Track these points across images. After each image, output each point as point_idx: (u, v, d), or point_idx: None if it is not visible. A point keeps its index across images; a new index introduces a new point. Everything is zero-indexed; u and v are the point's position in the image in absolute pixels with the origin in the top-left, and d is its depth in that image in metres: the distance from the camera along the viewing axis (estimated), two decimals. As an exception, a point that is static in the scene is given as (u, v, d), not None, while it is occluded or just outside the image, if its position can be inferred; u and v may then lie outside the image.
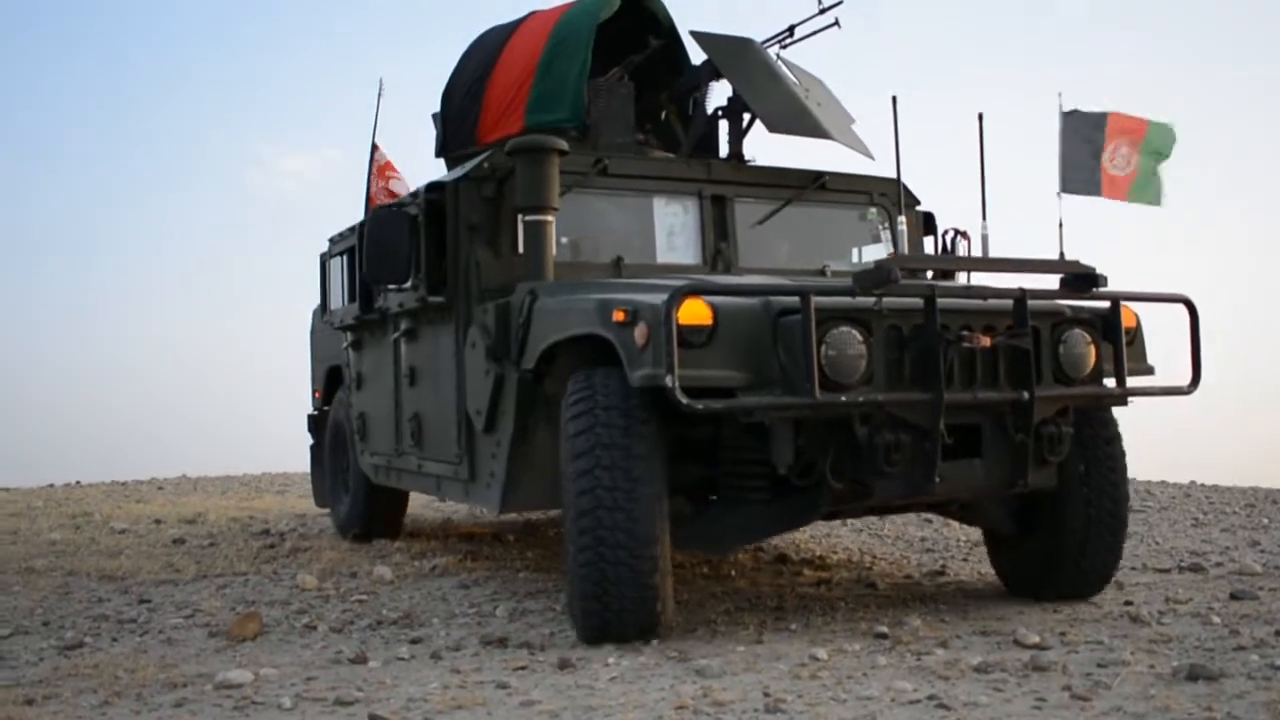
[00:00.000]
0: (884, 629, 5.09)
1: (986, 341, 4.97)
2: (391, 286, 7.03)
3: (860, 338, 4.79)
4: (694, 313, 4.63)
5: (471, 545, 8.47)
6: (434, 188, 6.59)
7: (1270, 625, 5.06)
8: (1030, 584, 5.92)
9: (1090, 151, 8.88)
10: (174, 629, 5.63)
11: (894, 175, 6.84)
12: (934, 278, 6.65)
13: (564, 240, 6.37)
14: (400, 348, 7.56)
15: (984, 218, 6.32)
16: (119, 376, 29.32)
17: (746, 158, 7.38)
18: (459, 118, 7.67)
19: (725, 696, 3.95)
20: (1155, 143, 9.06)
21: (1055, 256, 6.92)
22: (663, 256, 6.67)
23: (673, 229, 6.73)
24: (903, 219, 5.92)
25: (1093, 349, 5.32)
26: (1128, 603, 5.69)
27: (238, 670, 4.56)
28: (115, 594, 6.74)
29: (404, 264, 6.58)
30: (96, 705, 4.19)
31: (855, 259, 7.19)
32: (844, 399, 4.70)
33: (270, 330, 30.25)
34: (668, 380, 4.44)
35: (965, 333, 4.95)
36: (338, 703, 4.11)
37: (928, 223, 7.58)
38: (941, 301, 4.94)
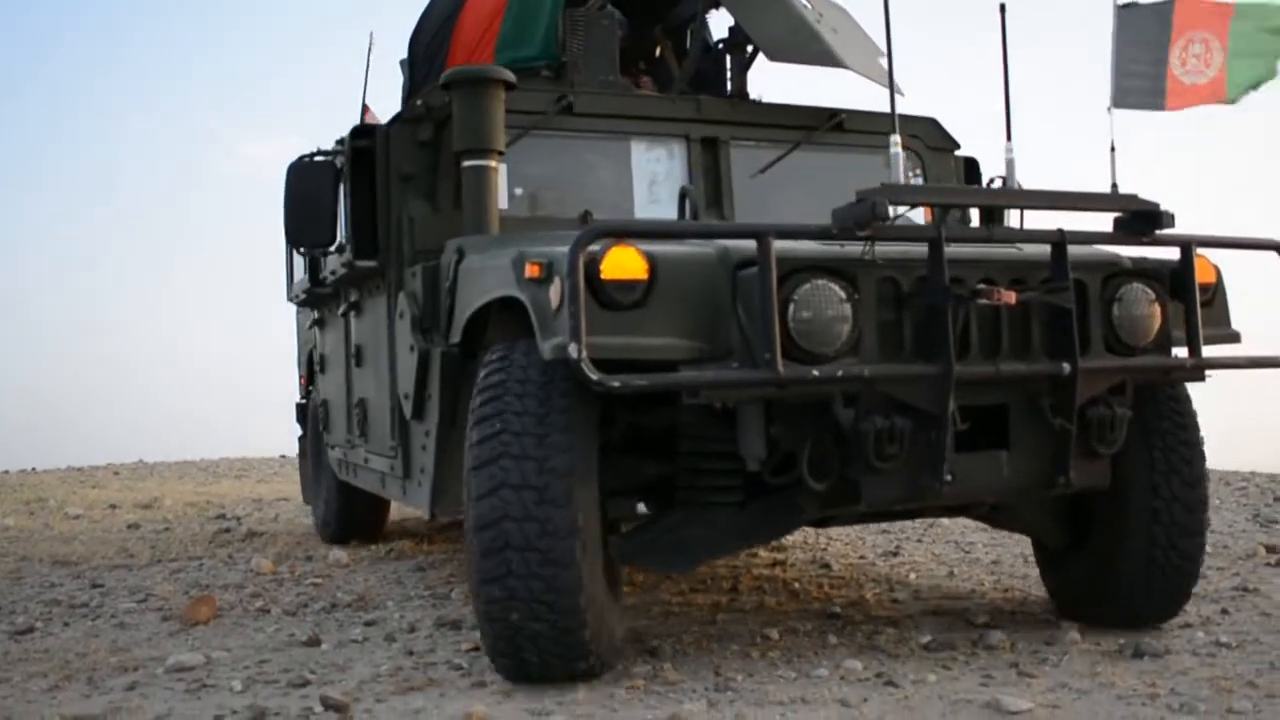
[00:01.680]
0: (837, 609, 5.13)
1: (1012, 298, 3.88)
2: (318, 250, 6.16)
3: (843, 295, 3.76)
4: (623, 264, 3.67)
5: (429, 528, 8.47)
6: (361, 133, 5.63)
7: (1216, 604, 5.13)
8: (1085, 605, 4.79)
9: (1152, 56, 7.02)
10: (126, 613, 5.60)
11: (926, 114, 5.95)
12: (979, 222, 5.82)
13: (518, 191, 5.47)
14: (350, 323, 6.70)
15: (1008, 138, 4.97)
16: (75, 362, 29.08)
17: (752, 97, 6.32)
18: (426, 62, 6.69)
19: (675, 676, 3.97)
20: (1254, 34, 7.02)
21: (1107, 190, 5.56)
22: (642, 210, 5.62)
23: (655, 178, 5.69)
24: (894, 144, 4.46)
25: (1157, 309, 4.24)
26: (1078, 582, 5.73)
27: (190, 653, 4.55)
28: (68, 579, 6.70)
29: (328, 223, 5.66)
30: (47, 689, 4.17)
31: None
32: (816, 373, 3.68)
33: (233, 315, 30.10)
34: (572, 349, 3.45)
35: (984, 287, 3.91)
36: (290, 685, 4.10)
37: (970, 170, 6.40)
38: (954, 249, 3.95)
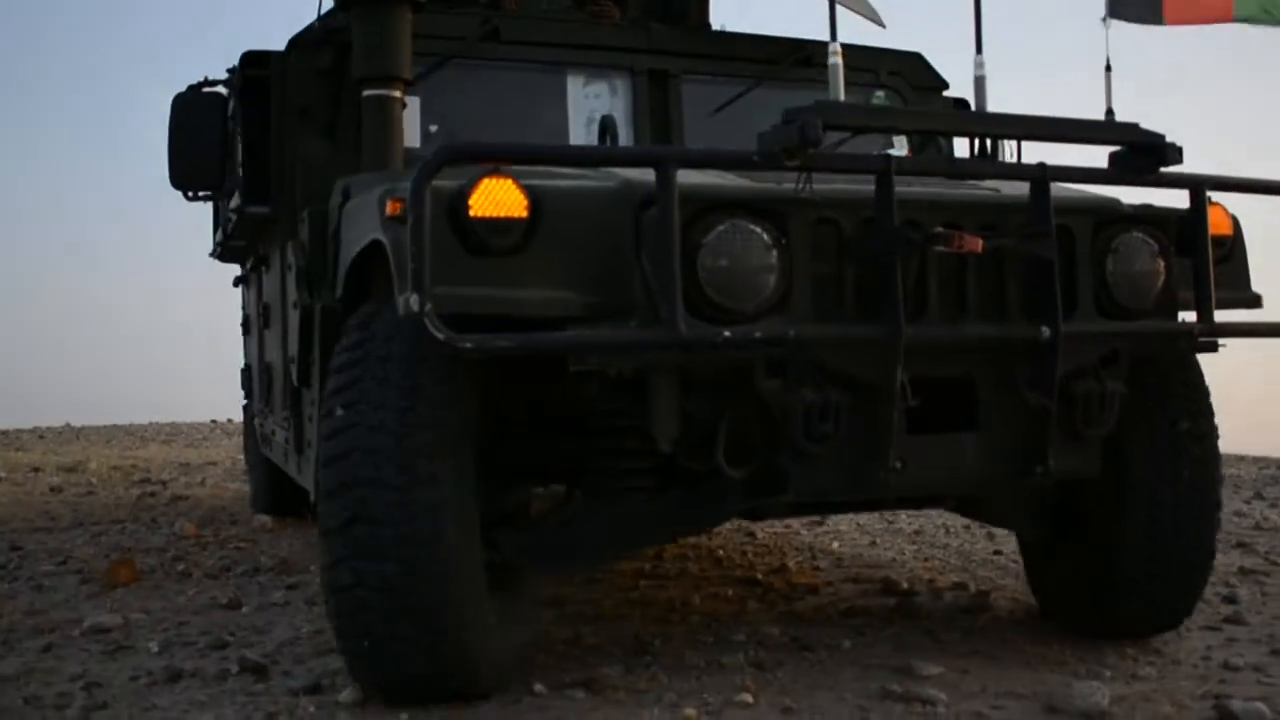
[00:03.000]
0: (758, 576, 5.18)
1: (978, 245, 3.17)
2: (204, 194, 5.30)
3: (768, 239, 3.11)
4: (497, 198, 3.01)
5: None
6: (253, 60, 4.85)
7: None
8: (1075, 610, 4.14)
9: None
10: (45, 576, 5.54)
11: (913, 49, 5.24)
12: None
13: (433, 129, 4.73)
14: (260, 279, 6.13)
15: (979, 50, 4.16)
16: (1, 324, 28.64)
17: (715, 27, 5.58)
18: None
19: (595, 641, 4.00)
20: None
21: (1100, 117, 4.74)
22: None
23: (595, 115, 4.95)
24: (833, 54, 4.03)
25: (1160, 264, 3.55)
26: (997, 551, 5.84)
27: (108, 615, 4.51)
28: (-14, 541, 6.62)
29: (214, 162, 4.91)
30: (-41, 651, 4.13)
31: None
32: (727, 334, 3.02)
33: (166, 276, 29.78)
34: (413, 300, 2.79)
35: (944, 231, 3.21)
36: (209, 647, 4.08)
37: (960, 108, 5.51)
38: (908, 187, 3.30)
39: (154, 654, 4.02)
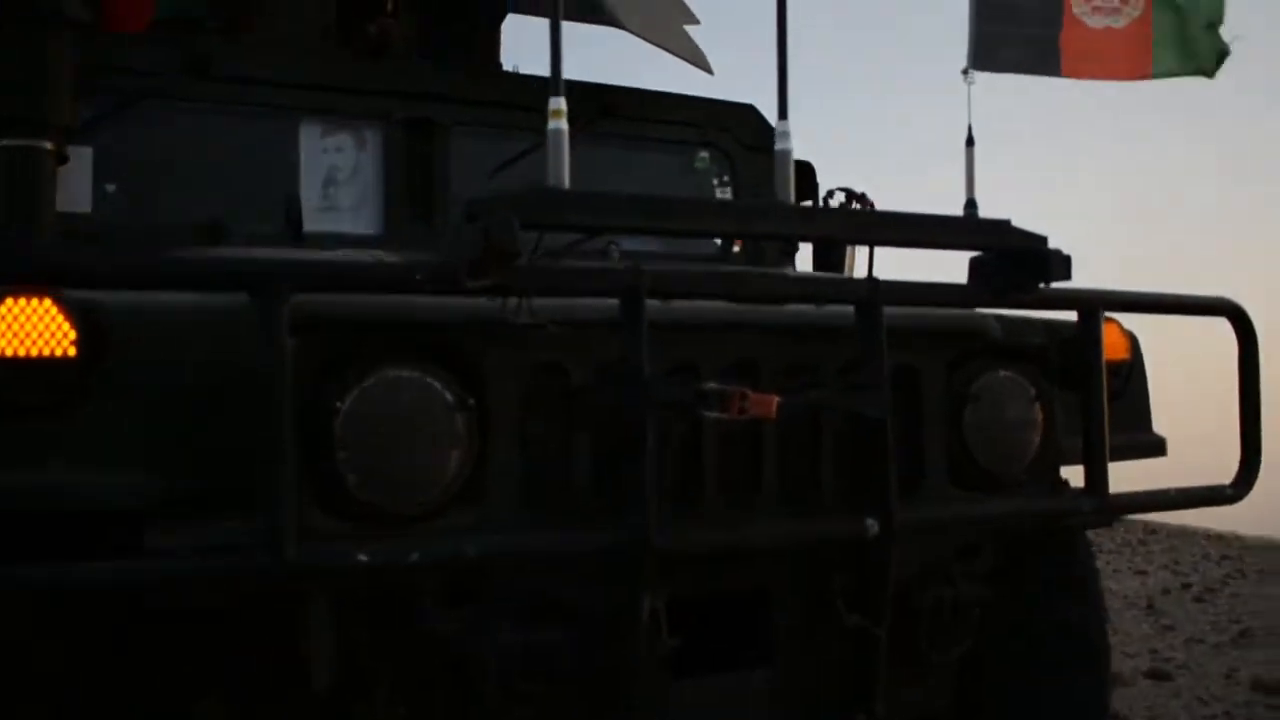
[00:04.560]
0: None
1: (770, 407, 2.16)
2: None
3: (450, 398, 2.09)
4: (24, 329, 1.95)
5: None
6: None
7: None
8: None
9: None
10: None
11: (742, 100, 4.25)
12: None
13: (111, 189, 3.53)
14: None
15: (782, 114, 3.31)
16: None
17: (507, 68, 4.55)
18: None
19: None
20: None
21: (959, 212, 3.84)
22: (315, 222, 3.65)
23: (336, 174, 3.86)
24: (554, 109, 2.80)
25: (1038, 412, 2.67)
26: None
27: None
28: None
29: None
30: None
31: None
32: (363, 559, 1.98)
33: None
34: None
35: (717, 388, 2.19)
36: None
37: (803, 177, 4.29)
38: (674, 306, 2.31)
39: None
